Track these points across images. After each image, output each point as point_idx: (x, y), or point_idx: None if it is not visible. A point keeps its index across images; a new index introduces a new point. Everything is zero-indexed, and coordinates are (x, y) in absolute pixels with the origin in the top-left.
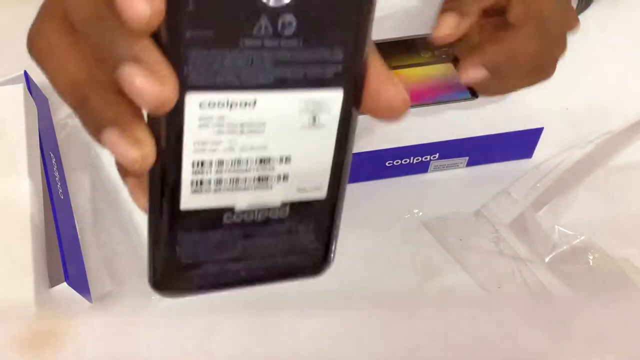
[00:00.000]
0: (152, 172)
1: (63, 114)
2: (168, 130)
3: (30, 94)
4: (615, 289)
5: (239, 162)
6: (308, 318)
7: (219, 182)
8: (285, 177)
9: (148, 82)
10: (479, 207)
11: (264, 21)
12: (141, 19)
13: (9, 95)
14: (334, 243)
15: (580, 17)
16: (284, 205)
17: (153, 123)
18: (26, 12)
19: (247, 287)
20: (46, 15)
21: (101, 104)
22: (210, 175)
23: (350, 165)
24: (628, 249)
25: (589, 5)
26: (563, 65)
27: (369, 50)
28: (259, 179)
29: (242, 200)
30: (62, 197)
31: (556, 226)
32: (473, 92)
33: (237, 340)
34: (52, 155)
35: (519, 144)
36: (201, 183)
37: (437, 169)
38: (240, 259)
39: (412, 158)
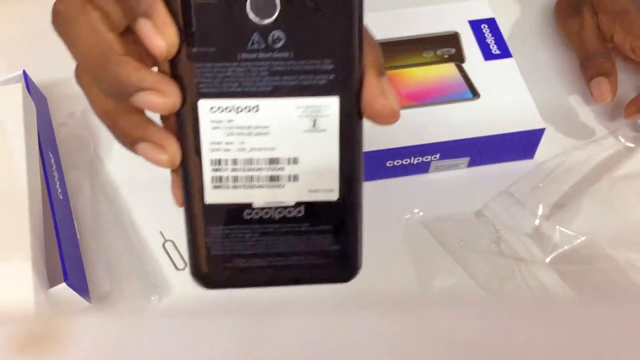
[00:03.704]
0: (182, 170)
1: (62, 114)
2: (188, 133)
3: (29, 93)
4: (616, 289)
5: (250, 161)
6: (307, 319)
7: (235, 179)
8: (296, 178)
9: (156, 100)
10: (480, 207)
11: (256, 37)
12: (162, 51)
13: (8, 94)
14: (359, 248)
15: None
16: (298, 204)
17: (178, 128)
18: (24, 12)
19: (278, 286)
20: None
21: (128, 126)
22: (227, 172)
23: (362, 169)
24: (630, 254)
25: None
26: (564, 65)
27: (365, 64)
28: (271, 178)
29: (259, 197)
30: (61, 197)
31: (557, 226)
32: (475, 92)
33: (237, 341)
34: (51, 155)
35: (521, 144)
36: (220, 179)
37: (437, 169)
38: (266, 256)
39: (412, 158)
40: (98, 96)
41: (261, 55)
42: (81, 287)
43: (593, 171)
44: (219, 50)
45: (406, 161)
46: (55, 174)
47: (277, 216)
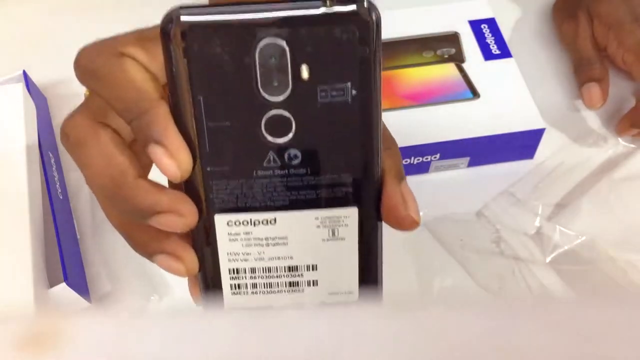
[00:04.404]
0: (200, 277)
1: (62, 114)
2: (206, 244)
3: (30, 93)
4: (616, 289)
5: (269, 269)
6: (307, 318)
7: (254, 285)
8: (315, 283)
9: (173, 220)
10: (480, 207)
11: (271, 155)
12: (176, 176)
13: (8, 95)
14: None
15: None
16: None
17: (195, 240)
18: (24, 12)
19: None
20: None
21: (144, 239)
22: (246, 280)
23: (381, 268)
24: (630, 254)
25: None
26: (564, 65)
27: (384, 170)
28: (290, 284)
29: (278, 301)
30: (61, 198)
31: (557, 226)
32: (475, 92)
33: (237, 342)
34: (51, 155)
35: (521, 144)
36: (238, 287)
37: (437, 169)
38: None
39: (412, 158)
40: (112, 210)
41: (277, 172)
42: (81, 287)
43: (593, 171)
44: (234, 169)
45: (406, 161)
46: (55, 174)
47: None
